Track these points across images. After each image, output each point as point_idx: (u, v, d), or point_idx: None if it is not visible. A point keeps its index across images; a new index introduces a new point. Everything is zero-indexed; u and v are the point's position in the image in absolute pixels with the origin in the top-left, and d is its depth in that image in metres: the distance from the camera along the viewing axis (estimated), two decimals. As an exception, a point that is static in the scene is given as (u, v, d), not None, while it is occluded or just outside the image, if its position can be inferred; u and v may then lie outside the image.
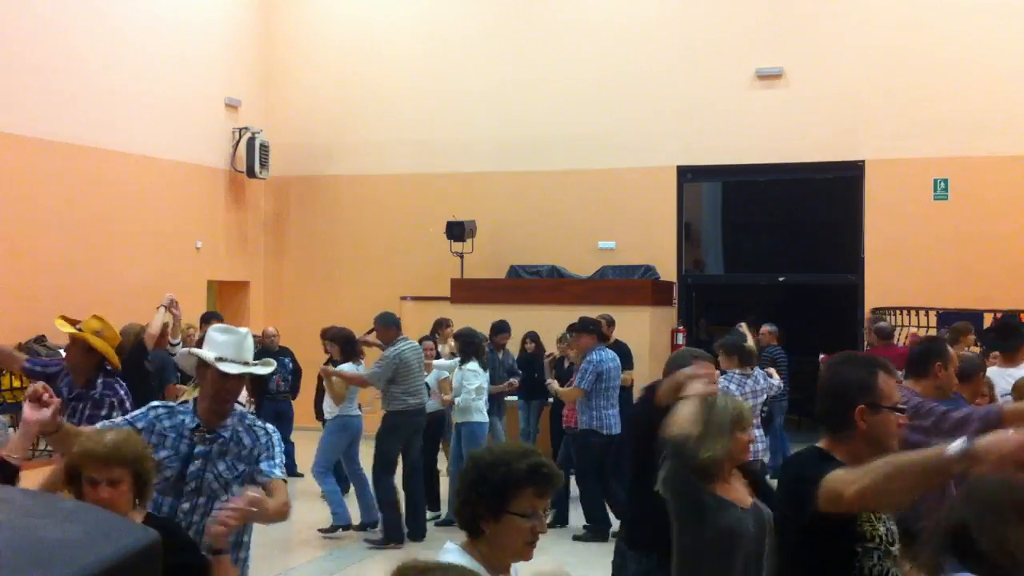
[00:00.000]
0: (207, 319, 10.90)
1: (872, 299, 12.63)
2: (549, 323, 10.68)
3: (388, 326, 8.48)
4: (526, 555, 2.54)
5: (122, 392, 5.08)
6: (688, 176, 13.70)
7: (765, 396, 7.84)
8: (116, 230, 12.25)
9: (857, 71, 12.76)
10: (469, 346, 8.98)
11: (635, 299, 12.32)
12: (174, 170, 13.29)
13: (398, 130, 14.50)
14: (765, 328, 11.50)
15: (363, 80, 14.73)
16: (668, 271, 13.40)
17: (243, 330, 3.80)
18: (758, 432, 7.27)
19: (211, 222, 14.07)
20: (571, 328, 9.05)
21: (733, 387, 7.42)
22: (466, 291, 12.94)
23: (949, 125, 12.35)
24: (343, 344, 8.74)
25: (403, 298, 13.45)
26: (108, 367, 5.09)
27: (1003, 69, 12.27)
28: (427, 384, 9.04)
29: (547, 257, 13.62)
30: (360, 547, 8.26)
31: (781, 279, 14.20)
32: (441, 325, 10.62)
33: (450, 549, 2.58)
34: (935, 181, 12.48)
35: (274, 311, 14.61)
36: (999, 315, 10.63)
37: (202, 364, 3.65)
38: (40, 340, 10.68)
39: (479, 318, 10.88)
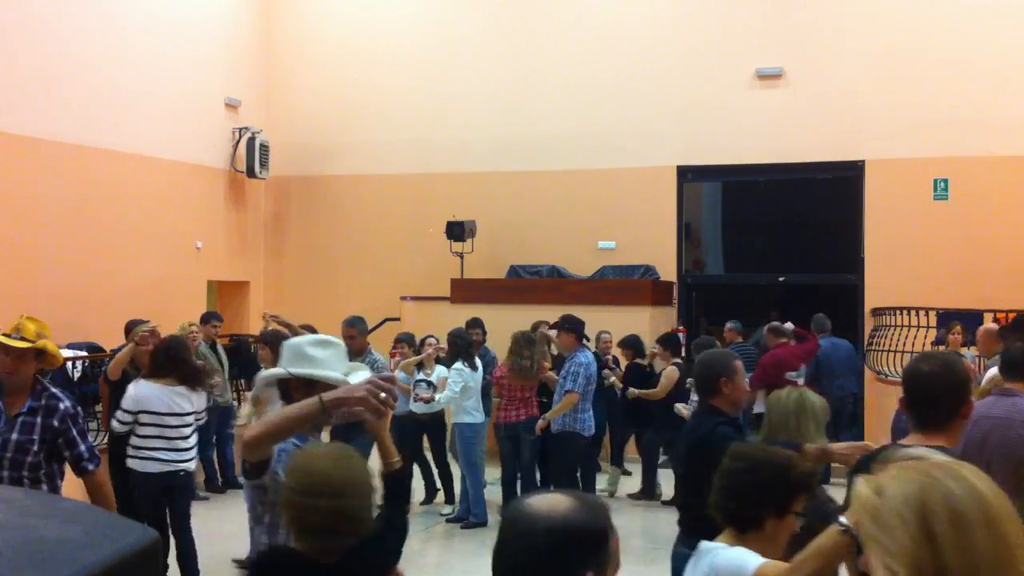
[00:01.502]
0: (207, 319, 10.90)
1: (872, 299, 12.63)
2: (549, 323, 10.68)
3: (366, 333, 8.05)
4: (784, 552, 2.71)
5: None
6: (688, 176, 13.70)
7: None
8: (116, 230, 12.25)
9: (857, 71, 12.76)
10: (454, 346, 8.94)
11: (635, 299, 12.32)
12: (174, 170, 13.29)
13: (398, 130, 14.50)
14: (728, 326, 11.51)
15: (363, 80, 14.73)
16: (668, 271, 13.41)
17: (339, 340, 3.50)
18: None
19: (211, 222, 14.07)
20: (554, 325, 9.04)
21: None
22: (466, 291, 12.94)
23: (949, 125, 12.35)
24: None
25: (403, 298, 13.45)
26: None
27: (1003, 69, 12.26)
28: (432, 382, 9.02)
29: (547, 257, 13.62)
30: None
31: (781, 279, 14.19)
32: (535, 328, 10.58)
33: (716, 546, 2.73)
34: (935, 181, 12.48)
35: (274, 311, 14.55)
36: (999, 315, 10.67)
37: (306, 382, 3.26)
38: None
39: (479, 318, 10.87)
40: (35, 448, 4.52)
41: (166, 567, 6.27)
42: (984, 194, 12.26)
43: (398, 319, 13.06)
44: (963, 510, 1.52)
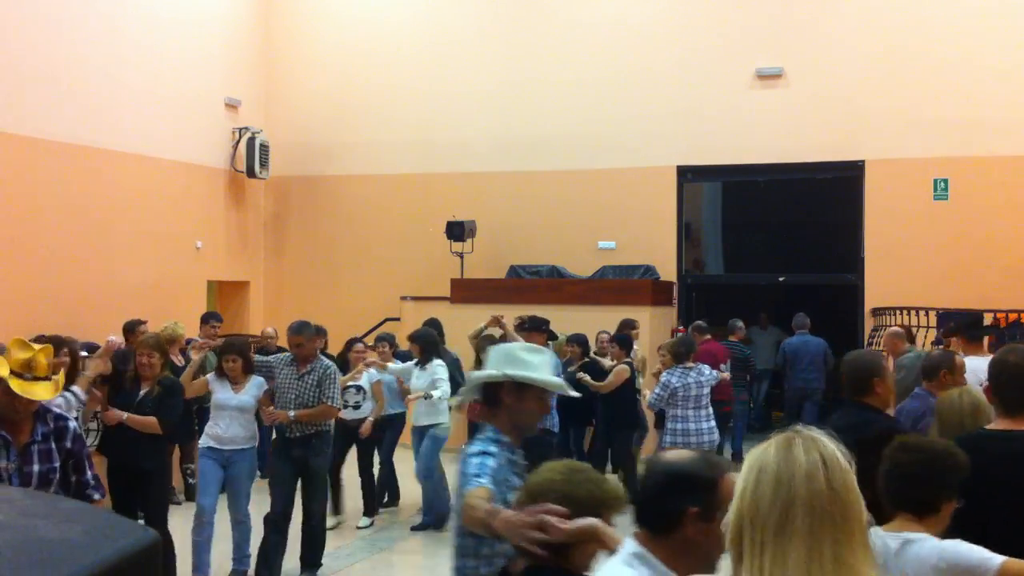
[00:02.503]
0: (207, 319, 10.90)
1: (872, 299, 12.63)
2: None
3: (313, 339, 7.45)
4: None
5: None
6: (688, 176, 13.70)
7: (709, 388, 8.62)
8: (116, 230, 12.25)
9: (857, 71, 12.76)
10: (431, 346, 8.87)
11: (635, 299, 12.31)
12: (174, 170, 13.29)
13: (398, 130, 14.51)
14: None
15: (363, 80, 14.73)
16: (668, 271, 13.41)
17: (547, 350, 3.51)
18: (707, 424, 8.42)
19: (211, 222, 14.07)
20: (520, 326, 9.07)
21: (675, 379, 8.31)
22: (466, 291, 12.94)
23: (949, 125, 12.36)
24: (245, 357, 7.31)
25: (403, 298, 13.45)
26: None
27: (1003, 69, 12.26)
28: (363, 388, 8.85)
29: (547, 257, 13.62)
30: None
31: (781, 279, 14.20)
32: (628, 326, 10.54)
33: (919, 536, 3.00)
34: (935, 181, 12.49)
35: (274, 311, 14.60)
36: (999, 315, 10.69)
37: (518, 386, 3.19)
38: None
39: (479, 318, 10.87)
40: (57, 477, 4.16)
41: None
42: (984, 194, 12.26)
43: (398, 319, 13.06)
44: (764, 467, 1.89)
